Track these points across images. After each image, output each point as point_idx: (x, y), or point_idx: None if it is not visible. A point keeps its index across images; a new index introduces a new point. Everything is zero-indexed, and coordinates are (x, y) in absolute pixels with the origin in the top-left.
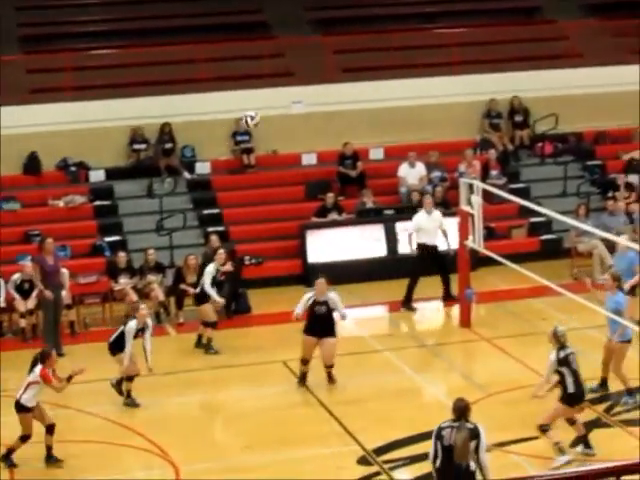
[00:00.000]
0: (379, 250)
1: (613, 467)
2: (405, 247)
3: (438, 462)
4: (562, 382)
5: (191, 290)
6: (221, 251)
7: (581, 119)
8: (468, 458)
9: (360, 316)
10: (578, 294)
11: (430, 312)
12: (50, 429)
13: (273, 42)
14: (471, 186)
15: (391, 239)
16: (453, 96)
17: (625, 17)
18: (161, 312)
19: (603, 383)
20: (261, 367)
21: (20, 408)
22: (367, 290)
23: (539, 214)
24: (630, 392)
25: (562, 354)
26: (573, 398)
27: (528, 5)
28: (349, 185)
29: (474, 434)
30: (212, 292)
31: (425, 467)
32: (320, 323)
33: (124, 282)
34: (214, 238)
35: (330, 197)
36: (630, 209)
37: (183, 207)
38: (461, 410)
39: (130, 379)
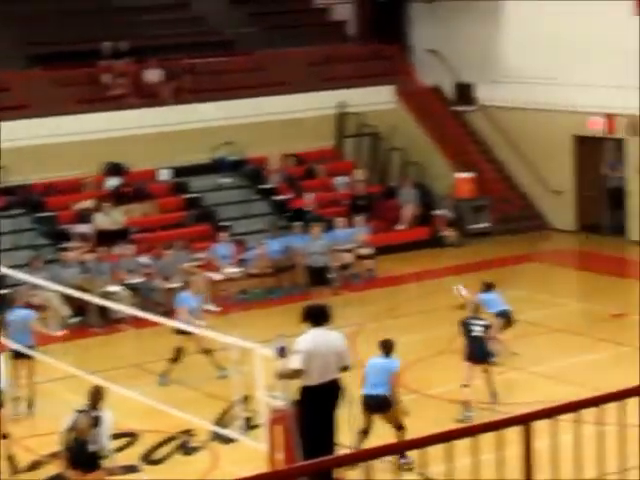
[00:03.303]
0: None
1: None
2: None
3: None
4: None
5: None
6: None
7: (29, 170)
8: (88, 440)
9: None
10: None
11: None
12: None
13: None
14: None
15: None
16: None
17: (69, 67)
18: None
19: None
20: None
21: None
22: None
23: None
24: None
25: None
26: None
27: None
28: None
29: (97, 420)
30: None
31: None
32: None
33: None
34: None
35: None
36: (84, 259)
37: None
38: (92, 396)
39: None
